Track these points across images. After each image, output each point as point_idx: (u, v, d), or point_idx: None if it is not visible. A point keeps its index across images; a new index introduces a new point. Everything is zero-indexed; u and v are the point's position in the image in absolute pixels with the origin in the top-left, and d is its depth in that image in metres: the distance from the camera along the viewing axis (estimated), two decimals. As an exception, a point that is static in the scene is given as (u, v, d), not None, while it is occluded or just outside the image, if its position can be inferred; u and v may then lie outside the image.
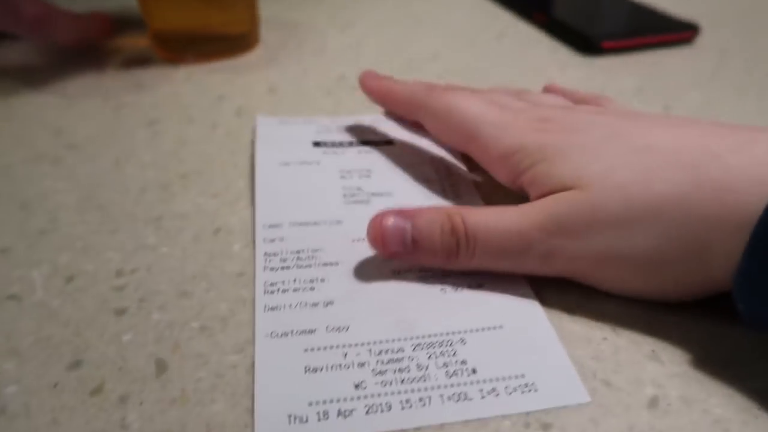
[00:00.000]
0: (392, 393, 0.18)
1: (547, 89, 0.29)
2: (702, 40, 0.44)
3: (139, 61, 0.40)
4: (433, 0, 0.52)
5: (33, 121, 0.33)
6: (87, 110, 0.34)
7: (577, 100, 0.27)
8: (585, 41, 0.41)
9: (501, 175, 0.23)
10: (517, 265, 0.21)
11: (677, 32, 0.43)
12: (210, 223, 0.25)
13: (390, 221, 0.21)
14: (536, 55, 0.41)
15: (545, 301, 0.21)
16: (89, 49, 0.41)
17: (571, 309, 0.21)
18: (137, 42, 0.42)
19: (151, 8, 0.39)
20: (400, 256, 0.21)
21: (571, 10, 0.46)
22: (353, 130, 0.31)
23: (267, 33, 0.44)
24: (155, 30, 0.40)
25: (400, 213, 0.21)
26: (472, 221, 0.21)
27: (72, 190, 0.27)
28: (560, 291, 0.22)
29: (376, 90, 0.29)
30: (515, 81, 0.37)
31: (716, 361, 0.19)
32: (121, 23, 0.43)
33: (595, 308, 0.21)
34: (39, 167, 0.29)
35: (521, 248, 0.20)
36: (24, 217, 0.26)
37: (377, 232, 0.21)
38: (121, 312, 0.21)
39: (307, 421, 0.17)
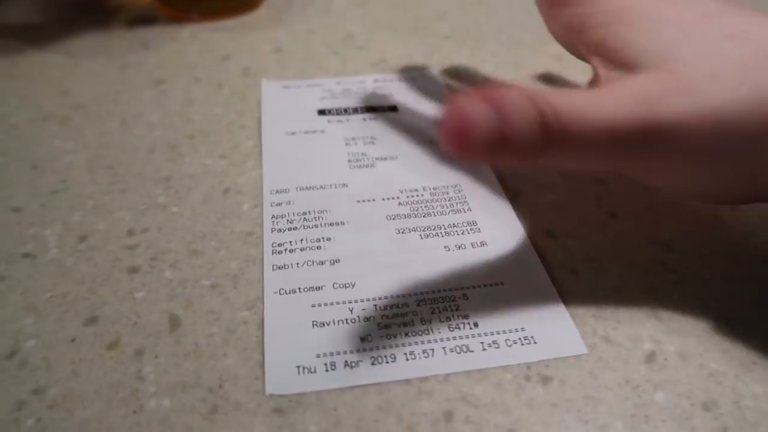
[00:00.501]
0: (397, 345, 0.19)
1: None
2: None
3: (143, 19, 0.39)
4: (441, -44, 0.50)
5: (38, 80, 0.33)
6: (92, 69, 0.34)
7: None
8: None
9: (555, 24, 0.20)
10: (603, 161, 0.18)
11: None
12: (219, 183, 0.26)
13: (475, 110, 0.15)
14: (545, 14, 0.41)
15: (550, 262, 0.22)
16: (93, 7, 0.40)
17: (574, 269, 0.21)
18: (141, 0, 0.41)
19: (153, -35, 0.38)
20: (478, 155, 0.16)
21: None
22: (357, 95, 0.31)
23: (271, -9, 0.43)
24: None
25: (485, 100, 0.16)
26: (564, 112, 0.16)
27: (81, 151, 0.28)
28: (565, 252, 0.22)
29: None
30: (524, 40, 0.37)
31: (714, 318, 0.20)
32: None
33: (599, 268, 0.21)
34: (47, 127, 0.29)
35: (613, 143, 0.17)
36: (35, 177, 0.26)
37: (457, 122, 0.16)
38: (133, 270, 0.22)
39: (315, 371, 0.18)
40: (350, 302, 0.20)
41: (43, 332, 0.19)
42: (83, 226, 0.23)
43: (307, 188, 0.25)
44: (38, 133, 0.29)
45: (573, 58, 0.24)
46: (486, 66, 0.34)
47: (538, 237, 0.23)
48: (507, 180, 0.25)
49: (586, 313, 0.20)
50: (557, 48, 0.35)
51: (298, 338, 0.19)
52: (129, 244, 0.23)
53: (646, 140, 0.17)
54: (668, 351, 0.19)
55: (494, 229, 0.23)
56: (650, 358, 0.18)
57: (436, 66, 0.34)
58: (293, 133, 0.28)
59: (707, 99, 0.17)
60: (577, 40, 0.20)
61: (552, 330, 0.19)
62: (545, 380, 0.18)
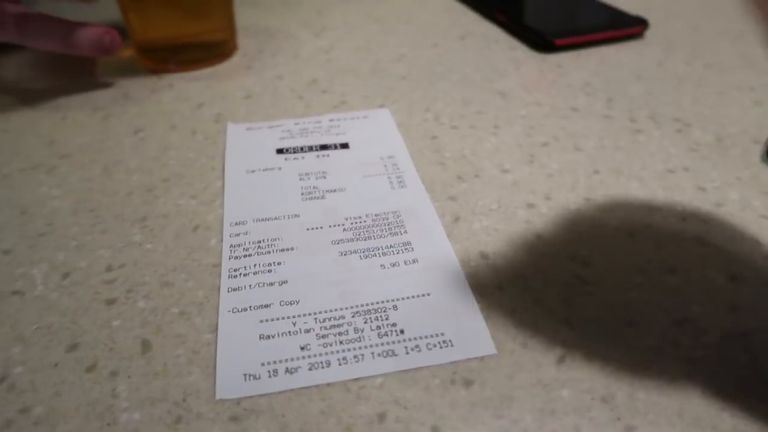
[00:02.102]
0: (332, 352, 0.21)
1: None
2: (651, 35, 0.47)
3: (125, 71, 0.43)
4: (402, 1, 0.54)
5: (28, 132, 0.36)
6: (78, 120, 0.37)
7: None
8: (540, 39, 0.44)
9: None
10: None
11: (627, 28, 0.45)
12: (189, 221, 0.28)
13: None
14: (496, 53, 0.44)
15: (481, 280, 0.24)
16: (79, 61, 0.44)
17: (501, 285, 0.24)
18: (123, 53, 0.45)
19: (133, 21, 0.41)
20: None
21: (529, 9, 0.49)
22: (314, 134, 0.34)
23: (245, 40, 0.47)
24: (138, 41, 0.42)
25: None
26: None
27: (66, 196, 0.30)
28: (494, 270, 0.25)
29: None
30: (475, 78, 0.40)
31: (620, 323, 0.22)
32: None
33: (522, 284, 0.24)
34: (35, 176, 0.32)
35: None
36: (24, 221, 0.29)
37: None
38: (111, 302, 0.24)
39: (259, 378, 0.21)
40: (294, 317, 0.23)
41: (30, 359, 0.22)
42: (67, 264, 0.26)
43: (262, 219, 0.28)
44: (27, 181, 0.32)
45: (516, 94, 0.27)
46: (437, 104, 0.38)
47: (472, 258, 0.25)
48: (447, 207, 0.28)
49: (508, 323, 0.23)
50: (502, 85, 0.39)
51: (246, 350, 0.22)
52: (107, 278, 0.25)
53: None
54: (576, 354, 0.21)
55: (426, 248, 0.26)
56: (560, 360, 0.21)
57: (391, 105, 0.37)
58: (253, 171, 0.31)
59: None
60: None
61: (467, 334, 0.22)
62: (467, 383, 0.20)
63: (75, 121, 0.37)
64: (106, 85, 0.41)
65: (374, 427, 0.19)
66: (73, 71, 0.43)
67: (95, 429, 0.20)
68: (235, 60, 0.44)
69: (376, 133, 0.34)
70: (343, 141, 0.34)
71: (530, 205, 0.28)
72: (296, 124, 0.35)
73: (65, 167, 0.33)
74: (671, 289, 0.24)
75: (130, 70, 0.43)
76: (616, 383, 0.20)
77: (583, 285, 0.24)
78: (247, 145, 0.33)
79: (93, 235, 0.28)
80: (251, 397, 0.20)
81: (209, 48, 0.44)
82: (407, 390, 0.20)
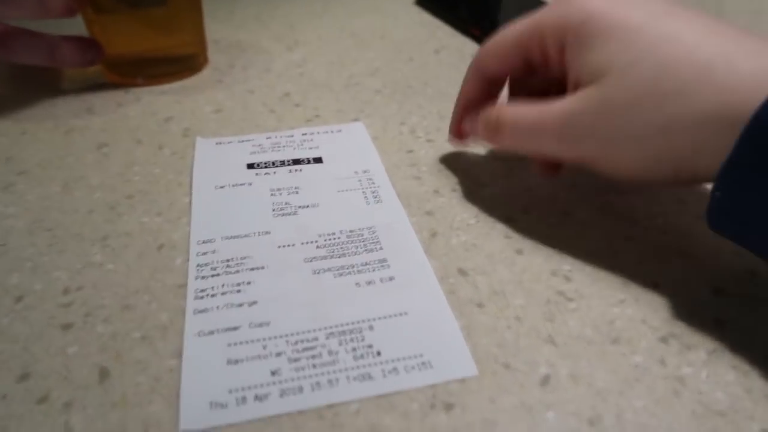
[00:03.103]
0: (305, 377, 0.20)
1: None
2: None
3: (90, 85, 0.41)
4: (376, 16, 0.54)
5: (-15, 149, 0.34)
6: (38, 135, 0.35)
7: None
8: (515, 52, 0.44)
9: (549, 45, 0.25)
10: (538, 149, 0.26)
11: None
12: (154, 240, 0.27)
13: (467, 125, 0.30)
14: (471, 67, 0.44)
15: (460, 297, 0.23)
16: (41, 74, 0.42)
17: (481, 303, 0.23)
18: (89, 67, 0.43)
19: (98, 34, 0.40)
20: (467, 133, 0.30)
21: (504, 24, 0.49)
22: (286, 148, 0.33)
23: (215, 54, 0.46)
24: (107, 55, 0.41)
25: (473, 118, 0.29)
26: (502, 115, 0.26)
27: (22, 215, 0.29)
28: (473, 287, 0.24)
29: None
30: (450, 92, 0.40)
31: (604, 340, 0.22)
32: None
33: (503, 301, 0.23)
34: (-10, 194, 0.30)
35: (538, 141, 0.25)
36: (-25, 242, 0.27)
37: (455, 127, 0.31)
38: (67, 327, 0.23)
39: (226, 406, 0.19)
40: (264, 339, 0.21)
41: (-25, 391, 0.20)
42: (20, 287, 0.25)
43: (231, 237, 0.26)
44: (-19, 199, 0.30)
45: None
46: (412, 117, 0.37)
47: (450, 274, 0.25)
48: (424, 222, 0.28)
49: (489, 342, 0.22)
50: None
51: (213, 376, 0.20)
52: (64, 302, 0.24)
53: (563, 143, 0.24)
54: (561, 374, 0.20)
55: (402, 264, 0.25)
56: (545, 381, 0.20)
57: (365, 119, 0.37)
58: (222, 187, 0.30)
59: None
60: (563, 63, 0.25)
61: (447, 354, 0.21)
62: (448, 407, 0.19)
63: (35, 136, 0.35)
64: (69, 99, 0.40)
65: (350, 457, 0.18)
66: (36, 84, 0.41)
67: (45, 467, 0.18)
68: (205, 74, 0.43)
69: (350, 147, 0.33)
70: (317, 155, 0.32)
71: (509, 219, 0.28)
72: (268, 138, 0.34)
73: (22, 184, 0.31)
74: (655, 304, 0.23)
75: (95, 83, 0.41)
76: (603, 404, 0.19)
77: (566, 301, 0.23)
78: (216, 160, 0.32)
79: (50, 255, 0.26)
80: (218, 427, 0.19)
81: (178, 62, 0.43)
82: (385, 416, 0.19)
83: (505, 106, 0.26)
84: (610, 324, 0.22)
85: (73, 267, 0.26)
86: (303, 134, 0.35)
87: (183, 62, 0.43)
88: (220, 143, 0.34)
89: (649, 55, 0.21)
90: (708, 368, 0.20)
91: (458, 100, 0.30)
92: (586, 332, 0.22)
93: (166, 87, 0.41)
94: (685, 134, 0.20)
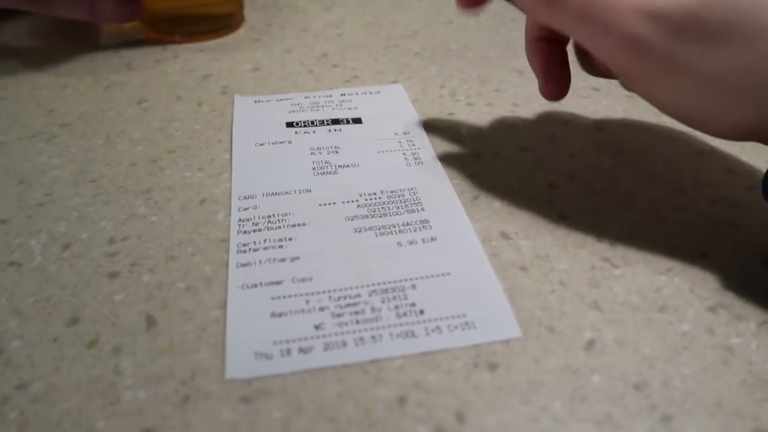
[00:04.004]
0: (348, 332, 0.20)
1: None
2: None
3: (129, 42, 0.41)
4: (415, -22, 0.53)
5: (27, 100, 0.35)
6: (79, 90, 0.36)
7: None
8: (558, 17, 0.43)
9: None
10: (598, 39, 0.21)
11: None
12: (196, 194, 0.27)
13: None
14: (512, 32, 0.43)
15: (502, 260, 0.23)
16: (80, 30, 0.42)
17: (524, 266, 0.23)
18: (127, 24, 0.43)
19: (138, -10, 0.40)
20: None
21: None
22: (325, 108, 0.33)
23: (252, 13, 0.45)
24: (144, 12, 0.41)
25: None
26: None
27: (66, 166, 0.29)
28: (517, 251, 0.24)
29: None
30: (491, 56, 0.39)
31: (651, 307, 0.21)
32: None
33: (547, 265, 0.23)
34: (34, 145, 0.31)
35: (609, 23, 0.20)
36: (22, 191, 0.27)
37: None
38: (113, 275, 0.23)
39: (271, 357, 0.19)
40: (307, 294, 0.22)
41: (28, 333, 0.21)
42: (67, 235, 0.25)
43: (272, 194, 0.26)
44: (26, 150, 0.30)
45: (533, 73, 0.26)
46: (453, 81, 0.36)
47: (493, 237, 0.24)
48: (466, 185, 0.27)
49: (533, 305, 0.21)
50: (520, 63, 0.37)
51: (257, 327, 0.20)
52: (110, 251, 0.24)
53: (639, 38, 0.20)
54: (606, 338, 0.20)
55: (444, 226, 0.24)
56: (590, 345, 0.20)
57: (404, 81, 0.36)
58: (262, 144, 0.30)
59: None
60: None
61: (490, 315, 0.21)
62: (492, 367, 0.19)
63: (76, 91, 0.36)
64: (108, 55, 0.40)
65: (394, 410, 0.18)
66: (75, 40, 0.41)
67: (97, 407, 0.18)
68: (242, 33, 0.43)
69: (390, 109, 0.33)
70: (356, 116, 0.32)
71: (553, 185, 0.27)
72: (306, 97, 0.34)
73: (65, 136, 0.31)
74: (704, 274, 0.23)
75: (133, 40, 0.41)
76: (650, 370, 0.19)
77: (611, 268, 0.23)
78: (256, 118, 0.32)
79: (95, 206, 0.27)
80: (263, 377, 0.19)
81: (216, 20, 0.42)
82: (429, 373, 0.19)
83: None
84: (656, 292, 0.22)
85: (117, 218, 0.26)
86: (342, 94, 0.34)
87: (220, 20, 0.43)
88: (259, 101, 0.34)
89: None
90: (758, 339, 0.20)
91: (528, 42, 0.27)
92: (632, 299, 0.22)
93: (203, 44, 0.41)
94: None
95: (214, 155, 0.30)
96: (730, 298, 0.22)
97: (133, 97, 0.35)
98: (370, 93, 0.34)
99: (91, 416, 0.18)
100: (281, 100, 0.34)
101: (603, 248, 0.24)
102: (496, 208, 0.26)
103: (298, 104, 0.33)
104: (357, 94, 0.34)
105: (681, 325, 0.21)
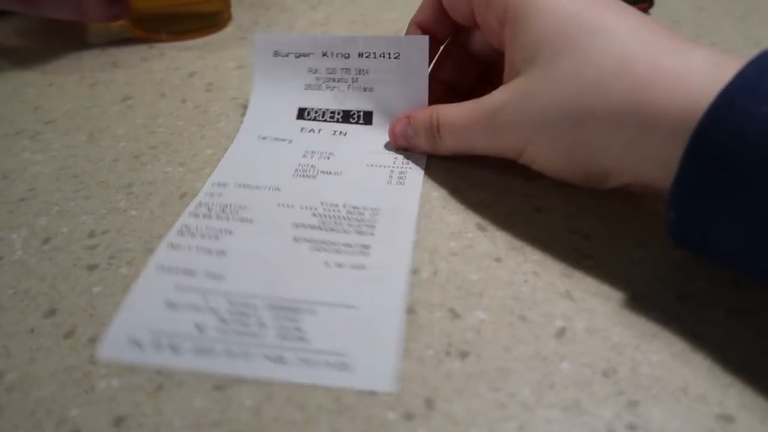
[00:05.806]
0: (223, 341, 0.20)
1: None
2: (655, 13, 0.46)
3: (115, 40, 0.41)
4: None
5: (13, 98, 0.35)
6: (64, 87, 0.36)
7: None
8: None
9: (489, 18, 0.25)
10: (471, 148, 0.26)
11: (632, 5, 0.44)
12: (176, 188, 0.27)
13: (398, 126, 0.29)
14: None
15: (478, 252, 0.23)
16: (68, 29, 0.42)
17: (499, 258, 0.23)
18: (114, 23, 0.43)
19: (125, -11, 0.40)
20: (408, 146, 0.29)
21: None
22: (341, 82, 0.31)
23: (239, 12, 0.46)
24: (132, 11, 0.41)
25: (406, 117, 0.28)
26: (441, 117, 0.26)
27: (49, 162, 0.29)
28: (492, 242, 0.24)
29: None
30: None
31: (622, 297, 0.21)
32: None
33: (521, 257, 0.23)
34: (18, 141, 0.31)
35: (471, 138, 0.25)
36: (4, 186, 0.28)
37: (391, 133, 0.29)
38: (92, 268, 0.23)
39: (143, 347, 0.20)
40: (209, 291, 0.21)
41: (5, 324, 0.21)
42: (47, 229, 0.25)
43: (243, 186, 0.27)
44: (10, 146, 0.31)
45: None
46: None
47: (468, 229, 0.25)
48: (444, 178, 0.27)
49: (505, 295, 0.22)
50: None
51: (146, 313, 0.21)
52: (89, 244, 0.24)
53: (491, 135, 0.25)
54: (577, 327, 0.20)
55: (381, 257, 0.23)
56: (560, 333, 0.20)
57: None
58: (264, 138, 0.30)
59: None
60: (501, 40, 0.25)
61: (371, 364, 0.19)
62: (463, 354, 0.20)
63: (61, 88, 0.36)
64: (95, 53, 0.40)
65: (364, 398, 0.18)
66: (62, 39, 0.41)
67: (71, 396, 0.19)
68: (228, 31, 0.43)
69: (407, 78, 0.29)
70: (366, 110, 0.31)
71: (529, 178, 0.27)
72: (324, 54, 0.30)
73: (49, 133, 0.32)
74: (673, 264, 0.23)
75: (121, 38, 0.42)
76: (618, 357, 0.19)
77: (584, 258, 0.23)
78: (272, 94, 0.31)
79: (76, 201, 0.27)
80: (129, 365, 0.19)
81: (203, 18, 0.43)
82: (400, 362, 0.19)
83: (441, 105, 0.27)
84: (627, 281, 0.22)
85: (98, 212, 0.26)
86: (359, 54, 0.30)
87: (207, 19, 0.43)
88: (278, 54, 0.31)
89: (577, 44, 0.21)
90: (725, 327, 0.20)
91: (410, 24, 0.30)
92: (603, 289, 0.22)
93: (189, 43, 0.41)
94: (598, 128, 0.20)
95: (196, 151, 0.30)
96: (698, 288, 0.22)
97: (118, 94, 0.35)
98: (389, 56, 0.30)
99: (64, 405, 0.18)
100: (299, 56, 0.31)
101: (576, 240, 0.24)
102: (472, 201, 0.26)
103: (316, 71, 0.31)
104: (375, 56, 0.30)
105: (651, 314, 0.21)
